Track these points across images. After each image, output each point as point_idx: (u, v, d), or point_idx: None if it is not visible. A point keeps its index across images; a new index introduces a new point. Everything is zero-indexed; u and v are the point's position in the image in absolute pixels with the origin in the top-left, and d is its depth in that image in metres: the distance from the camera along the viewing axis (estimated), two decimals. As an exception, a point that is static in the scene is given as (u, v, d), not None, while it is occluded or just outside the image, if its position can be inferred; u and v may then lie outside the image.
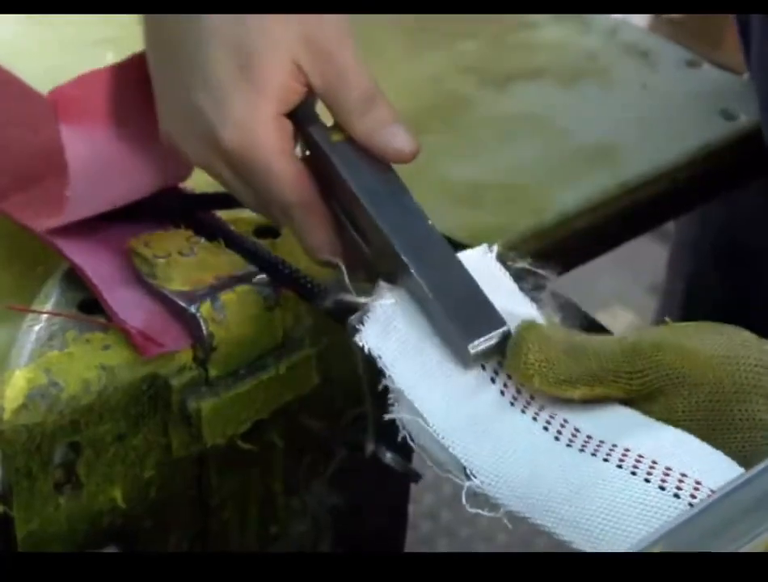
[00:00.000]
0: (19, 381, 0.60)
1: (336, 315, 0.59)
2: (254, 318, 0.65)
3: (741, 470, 0.50)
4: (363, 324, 0.56)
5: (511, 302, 0.57)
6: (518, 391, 0.55)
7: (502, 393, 0.55)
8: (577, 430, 0.52)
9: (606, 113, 0.88)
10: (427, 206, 0.80)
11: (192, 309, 0.64)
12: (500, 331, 0.55)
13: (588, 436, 0.52)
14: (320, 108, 0.63)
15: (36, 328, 0.63)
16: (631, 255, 1.26)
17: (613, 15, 1.02)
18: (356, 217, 0.60)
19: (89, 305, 0.65)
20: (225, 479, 0.69)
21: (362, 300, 0.57)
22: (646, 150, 0.84)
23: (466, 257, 0.59)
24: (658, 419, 0.52)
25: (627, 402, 0.54)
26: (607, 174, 0.82)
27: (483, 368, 0.55)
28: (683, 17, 1.95)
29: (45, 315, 0.64)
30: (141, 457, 0.65)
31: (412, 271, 0.57)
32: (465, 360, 0.55)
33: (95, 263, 0.66)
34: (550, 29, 0.96)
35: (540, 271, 0.60)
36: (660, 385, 0.52)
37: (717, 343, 0.52)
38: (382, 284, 0.58)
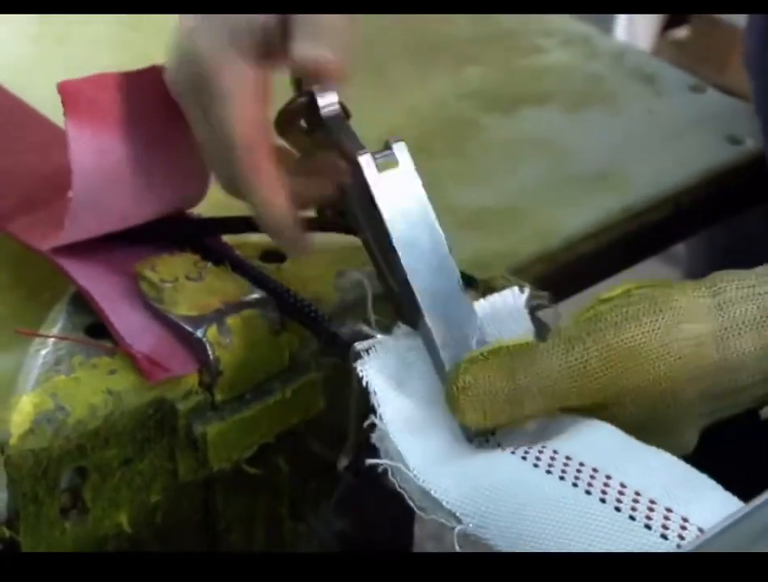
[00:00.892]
0: (26, 406, 0.60)
1: (337, 346, 0.60)
2: (260, 342, 0.66)
3: (728, 495, 0.50)
4: (368, 354, 0.56)
5: None
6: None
7: (487, 440, 0.54)
8: (568, 458, 0.51)
9: (612, 137, 0.88)
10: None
11: (199, 333, 0.64)
12: None
13: (581, 464, 0.51)
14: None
15: (43, 353, 0.64)
16: (639, 277, 1.26)
17: (618, 39, 1.03)
18: (385, 250, 0.60)
19: (96, 329, 0.65)
20: (231, 503, 0.69)
21: (379, 335, 0.58)
22: (651, 174, 0.85)
23: (494, 298, 0.59)
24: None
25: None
26: (612, 198, 0.82)
27: None
28: (687, 39, 1.95)
29: (52, 340, 0.64)
30: (148, 482, 0.65)
31: (427, 320, 0.57)
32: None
33: (101, 287, 0.66)
34: (556, 54, 0.97)
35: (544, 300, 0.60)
36: (609, 401, 0.53)
37: (653, 332, 0.53)
38: (402, 326, 0.58)
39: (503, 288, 0.60)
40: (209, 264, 0.68)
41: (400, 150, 0.60)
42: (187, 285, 0.66)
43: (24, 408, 0.60)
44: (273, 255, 0.71)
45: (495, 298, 0.59)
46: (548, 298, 0.60)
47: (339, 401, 0.69)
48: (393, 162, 0.60)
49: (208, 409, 0.65)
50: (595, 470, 0.50)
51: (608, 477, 0.50)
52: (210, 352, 0.64)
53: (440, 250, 0.59)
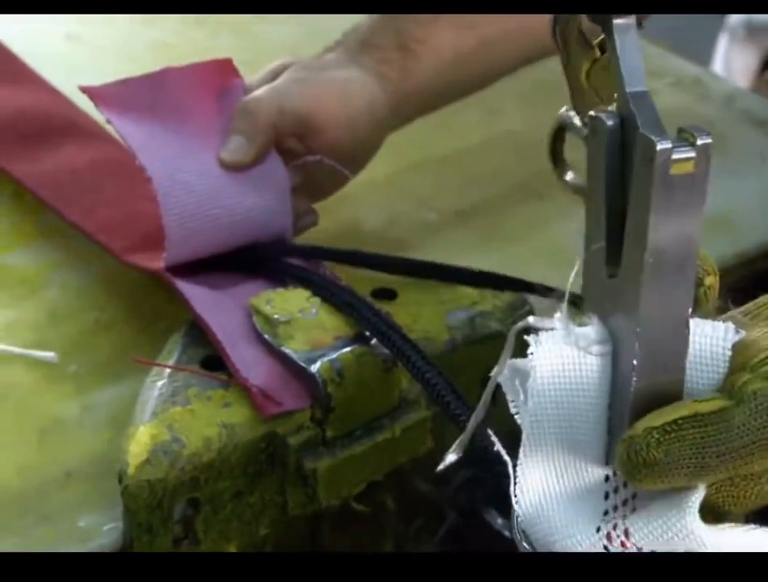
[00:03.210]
0: (143, 436, 0.61)
1: None
2: (371, 379, 0.66)
3: None
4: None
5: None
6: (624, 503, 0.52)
7: (606, 495, 0.50)
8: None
9: (724, 182, 0.87)
10: (540, 268, 0.81)
11: (312, 369, 0.64)
12: None
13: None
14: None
15: (159, 384, 0.64)
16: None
17: (729, 82, 1.02)
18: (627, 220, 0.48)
19: (210, 362, 0.66)
20: (337, 539, 0.69)
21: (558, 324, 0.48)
22: (764, 220, 0.84)
23: (703, 326, 0.50)
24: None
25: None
26: (725, 243, 0.82)
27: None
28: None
29: (168, 371, 0.65)
30: (257, 515, 0.65)
31: (642, 320, 0.47)
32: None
33: (219, 319, 0.67)
34: (667, 96, 0.96)
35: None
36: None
37: None
38: (595, 318, 0.49)
39: None
40: (320, 300, 0.68)
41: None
42: (301, 321, 0.67)
43: (142, 439, 0.61)
44: (384, 292, 0.72)
45: (704, 327, 0.50)
46: None
47: (446, 441, 0.69)
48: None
49: (318, 444, 0.65)
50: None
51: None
52: (322, 388, 0.64)
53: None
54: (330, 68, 0.76)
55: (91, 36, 1.02)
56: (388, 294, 0.72)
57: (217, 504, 0.63)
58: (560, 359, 0.49)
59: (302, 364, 0.65)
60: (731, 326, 0.50)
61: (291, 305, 0.67)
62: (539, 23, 0.80)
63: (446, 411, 0.61)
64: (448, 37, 0.79)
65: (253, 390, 0.63)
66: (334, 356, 0.65)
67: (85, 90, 0.72)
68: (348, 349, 0.66)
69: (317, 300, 0.68)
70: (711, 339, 0.50)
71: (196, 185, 0.71)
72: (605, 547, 0.48)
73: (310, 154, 0.74)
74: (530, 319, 0.48)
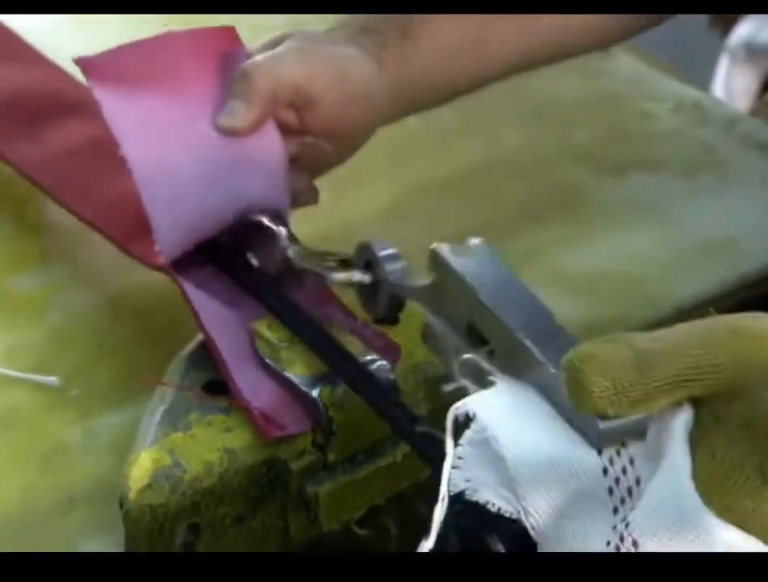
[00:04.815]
0: (145, 461, 0.61)
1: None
2: (372, 403, 0.66)
3: None
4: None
5: None
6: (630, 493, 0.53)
7: (618, 453, 0.50)
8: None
9: (725, 206, 0.88)
10: (539, 295, 0.81)
11: (314, 393, 0.65)
12: None
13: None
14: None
15: (160, 409, 0.64)
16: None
17: (730, 107, 1.02)
18: (475, 321, 0.59)
19: (211, 387, 0.66)
20: (339, 564, 0.69)
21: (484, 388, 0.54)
22: (765, 244, 0.84)
23: None
24: (744, 422, 0.47)
25: (706, 402, 0.48)
26: (725, 266, 0.82)
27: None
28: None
29: (169, 397, 0.65)
30: (259, 540, 0.65)
31: (539, 357, 0.55)
32: (595, 440, 0.53)
33: (226, 339, 0.66)
34: (667, 120, 0.96)
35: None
36: (745, 378, 0.47)
37: None
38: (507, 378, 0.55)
39: None
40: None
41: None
42: (301, 345, 0.67)
43: (144, 464, 0.61)
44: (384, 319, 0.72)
45: None
46: None
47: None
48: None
49: (320, 469, 0.65)
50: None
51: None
52: (324, 412, 0.64)
53: (532, 301, 0.58)
54: (330, 43, 0.76)
55: (84, 36, 1.01)
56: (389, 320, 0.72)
57: (219, 530, 0.63)
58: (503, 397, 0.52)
59: (304, 389, 0.65)
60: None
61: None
62: (541, 25, 0.80)
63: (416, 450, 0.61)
64: (448, 28, 0.79)
65: (255, 413, 0.63)
66: (335, 380, 0.65)
67: (79, 61, 0.70)
68: (349, 374, 0.66)
69: (319, 324, 0.68)
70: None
71: (185, 164, 0.69)
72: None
73: (304, 130, 0.73)
74: (469, 405, 0.51)
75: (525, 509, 0.50)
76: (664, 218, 0.87)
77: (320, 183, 0.76)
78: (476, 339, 0.59)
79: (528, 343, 0.55)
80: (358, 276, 0.66)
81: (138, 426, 0.64)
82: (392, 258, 0.65)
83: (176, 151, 0.69)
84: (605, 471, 0.51)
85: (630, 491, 0.50)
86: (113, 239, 0.74)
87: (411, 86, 0.77)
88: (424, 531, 0.73)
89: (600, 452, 0.50)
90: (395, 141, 0.94)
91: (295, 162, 0.73)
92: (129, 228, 0.73)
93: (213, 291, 0.70)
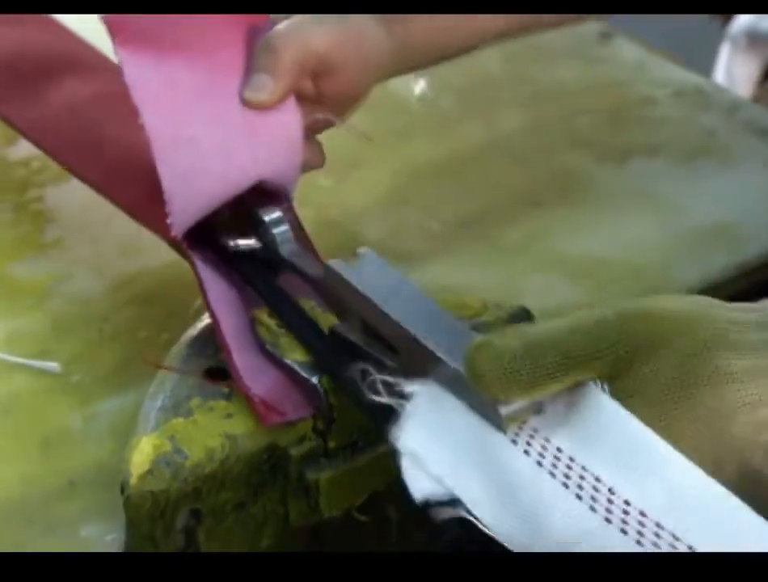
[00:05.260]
0: (146, 447, 0.61)
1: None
2: (373, 389, 0.66)
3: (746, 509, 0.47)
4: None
5: None
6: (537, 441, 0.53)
7: (520, 428, 0.53)
8: (585, 469, 0.50)
9: (726, 192, 0.88)
10: (540, 280, 0.81)
11: (314, 380, 0.65)
12: None
13: (597, 479, 0.49)
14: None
15: (161, 395, 0.64)
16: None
17: (732, 92, 1.02)
18: (378, 329, 0.60)
19: (212, 373, 0.66)
20: (339, 549, 0.69)
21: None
22: (767, 230, 0.84)
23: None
24: (629, 395, 0.51)
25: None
26: (726, 253, 0.82)
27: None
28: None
29: (170, 383, 0.65)
30: (260, 526, 0.65)
31: (442, 357, 0.56)
32: (498, 422, 0.54)
33: (231, 321, 0.66)
34: (668, 106, 0.96)
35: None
36: (630, 358, 0.51)
37: (683, 305, 0.51)
38: (415, 387, 0.57)
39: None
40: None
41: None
42: (302, 331, 0.67)
43: (144, 449, 0.61)
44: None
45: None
46: None
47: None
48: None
49: (320, 455, 0.65)
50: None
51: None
52: (324, 399, 0.64)
53: (426, 302, 0.59)
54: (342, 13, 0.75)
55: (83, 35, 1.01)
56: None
57: (219, 515, 0.63)
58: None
59: (304, 375, 0.65)
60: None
61: (292, 316, 0.67)
62: None
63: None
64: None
65: (255, 399, 0.63)
66: (336, 366, 0.65)
67: (106, 20, 0.67)
68: (350, 360, 0.66)
69: (319, 311, 0.68)
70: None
71: (204, 136, 0.67)
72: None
73: (319, 98, 0.72)
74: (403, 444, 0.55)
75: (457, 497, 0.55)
76: (665, 203, 0.87)
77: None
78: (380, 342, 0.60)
79: (429, 343, 0.57)
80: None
81: (139, 411, 0.64)
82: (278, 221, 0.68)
83: (197, 121, 0.67)
84: (514, 442, 0.54)
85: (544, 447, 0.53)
86: (119, 203, 0.72)
87: (410, 51, 0.77)
88: (424, 517, 0.73)
89: (504, 432, 0.53)
90: (396, 126, 0.94)
91: (305, 131, 0.73)
92: (139, 193, 0.71)
93: (221, 273, 0.69)
